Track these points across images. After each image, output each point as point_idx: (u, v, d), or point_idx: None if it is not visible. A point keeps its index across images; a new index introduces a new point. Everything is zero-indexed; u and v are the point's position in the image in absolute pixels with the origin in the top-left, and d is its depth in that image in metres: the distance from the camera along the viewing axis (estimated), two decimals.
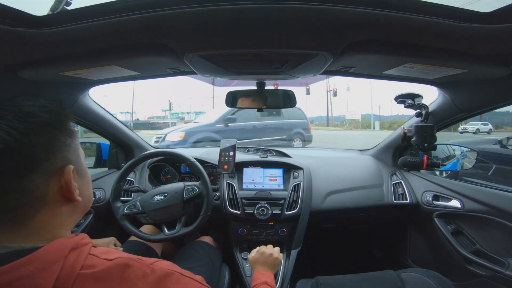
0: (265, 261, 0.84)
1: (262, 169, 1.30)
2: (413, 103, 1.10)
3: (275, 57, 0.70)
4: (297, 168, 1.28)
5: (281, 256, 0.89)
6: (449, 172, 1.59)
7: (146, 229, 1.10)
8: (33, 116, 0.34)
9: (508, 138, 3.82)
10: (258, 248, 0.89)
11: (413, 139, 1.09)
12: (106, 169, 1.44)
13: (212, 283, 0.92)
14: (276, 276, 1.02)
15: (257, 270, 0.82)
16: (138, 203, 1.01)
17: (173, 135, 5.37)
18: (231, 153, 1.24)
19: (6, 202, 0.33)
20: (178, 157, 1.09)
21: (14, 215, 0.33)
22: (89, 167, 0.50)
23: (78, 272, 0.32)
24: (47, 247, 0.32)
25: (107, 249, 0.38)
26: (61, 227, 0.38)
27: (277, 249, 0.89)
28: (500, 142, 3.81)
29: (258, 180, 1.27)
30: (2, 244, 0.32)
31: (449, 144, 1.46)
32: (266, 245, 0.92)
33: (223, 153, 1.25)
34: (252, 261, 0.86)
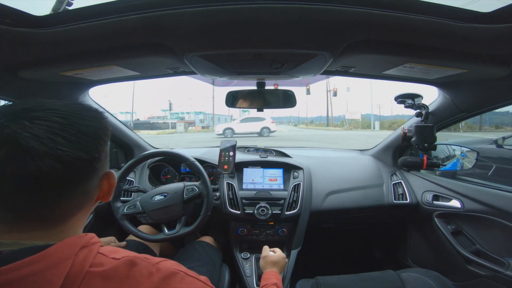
0: (283, 265, 0.87)
1: (262, 169, 1.30)
2: (413, 103, 1.10)
3: (275, 57, 0.70)
4: (297, 168, 1.28)
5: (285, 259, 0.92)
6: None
7: (144, 229, 1.10)
8: (99, 139, 0.37)
9: (503, 138, 3.90)
10: (274, 249, 0.92)
11: (413, 139, 1.09)
12: None
13: (213, 283, 0.91)
14: None
15: (267, 270, 0.84)
16: (138, 203, 1.01)
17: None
18: (231, 153, 1.24)
19: (69, 203, 0.36)
20: (178, 157, 1.09)
21: (65, 215, 0.36)
22: None
23: (87, 270, 0.32)
24: (59, 245, 0.33)
25: (115, 249, 0.38)
26: (83, 225, 0.41)
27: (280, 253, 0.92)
28: (495, 141, 3.92)
29: (258, 180, 1.27)
30: (14, 240, 0.33)
31: (449, 144, 1.46)
32: (265, 245, 0.94)
33: (223, 153, 1.25)
34: (271, 261, 0.87)
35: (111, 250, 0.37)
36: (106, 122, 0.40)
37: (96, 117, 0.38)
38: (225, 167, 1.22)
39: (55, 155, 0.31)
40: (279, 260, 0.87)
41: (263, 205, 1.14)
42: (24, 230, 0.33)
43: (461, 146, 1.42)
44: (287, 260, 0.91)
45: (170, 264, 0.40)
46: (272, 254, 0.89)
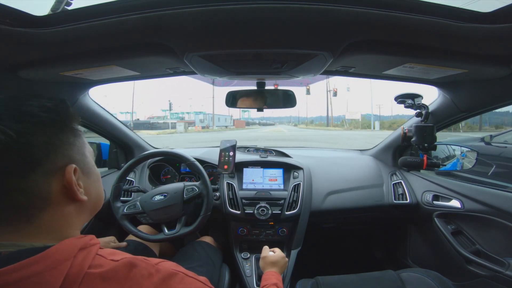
0: (283, 264, 0.87)
1: (262, 169, 1.30)
2: (413, 103, 1.10)
3: (275, 57, 0.70)
4: (297, 168, 1.28)
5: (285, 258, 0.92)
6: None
7: (144, 229, 1.10)
8: (30, 116, 0.34)
9: (491, 136, 4.15)
10: (274, 249, 0.92)
11: (413, 139, 1.09)
12: (106, 169, 1.44)
13: (213, 283, 0.91)
14: None
15: (267, 270, 0.84)
16: (138, 203, 1.01)
17: None
18: (231, 153, 1.24)
19: (9, 202, 0.33)
20: (178, 157, 1.09)
21: (19, 215, 0.34)
22: None
23: (86, 271, 0.32)
24: (57, 246, 0.33)
25: (113, 251, 0.38)
26: (70, 227, 0.38)
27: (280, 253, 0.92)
28: (483, 139, 4.21)
29: (258, 180, 1.27)
30: (13, 242, 0.33)
31: (449, 144, 1.46)
32: (265, 245, 0.94)
33: (223, 153, 1.25)
34: (270, 261, 0.87)
35: (109, 252, 0.37)
36: (52, 110, 0.36)
37: (34, 105, 0.35)
38: (225, 167, 1.22)
39: None
40: (278, 260, 0.87)
41: (263, 205, 1.14)
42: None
43: (461, 146, 1.41)
44: (287, 260, 0.91)
45: (169, 265, 0.40)
46: (271, 254, 0.89)
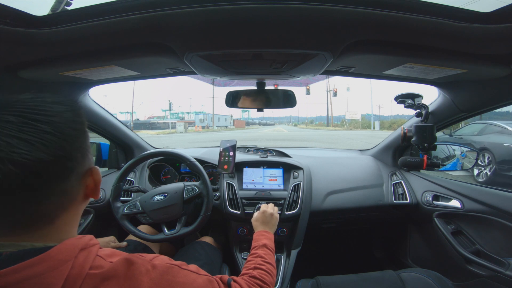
0: (266, 221, 0.89)
1: (262, 169, 1.30)
2: (413, 103, 1.10)
3: (275, 57, 0.70)
4: (297, 168, 1.28)
5: (278, 214, 0.96)
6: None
7: (144, 229, 1.10)
8: (68, 128, 0.35)
9: (451, 130, 4.87)
10: (260, 206, 0.96)
11: (413, 139, 1.09)
12: (106, 169, 1.44)
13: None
14: (276, 274, 1.03)
15: (258, 230, 0.85)
16: (138, 203, 1.01)
17: None
18: (231, 153, 1.24)
19: (51, 204, 0.34)
20: (178, 157, 1.09)
21: (49, 217, 0.35)
22: None
23: (87, 272, 0.32)
24: (59, 247, 0.33)
25: (113, 252, 0.38)
26: (75, 225, 0.40)
27: (276, 208, 0.97)
28: (448, 134, 4.99)
29: (258, 180, 1.27)
30: (12, 242, 0.33)
31: (449, 144, 1.46)
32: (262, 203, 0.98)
33: (223, 153, 1.25)
34: (253, 220, 0.91)
35: (109, 254, 0.37)
36: (77, 115, 0.37)
37: (62, 111, 0.35)
38: (225, 167, 1.22)
39: (11, 160, 0.29)
40: (265, 217, 0.89)
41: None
42: (3, 233, 0.33)
43: (461, 146, 1.41)
44: (277, 215, 0.93)
45: (163, 260, 0.41)
46: (264, 210, 0.92)
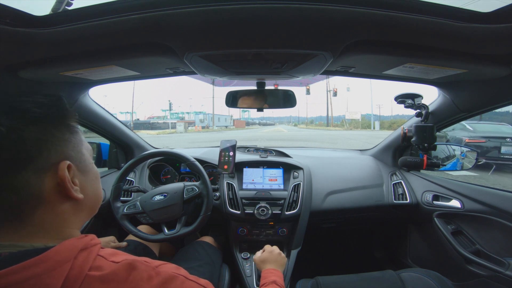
0: (275, 259, 0.86)
1: (262, 169, 1.30)
2: (413, 103, 1.10)
3: (275, 57, 0.70)
4: (297, 168, 1.28)
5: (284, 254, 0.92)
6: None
7: (144, 229, 1.10)
8: (22, 111, 0.33)
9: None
10: (265, 247, 0.92)
11: (413, 139, 1.09)
12: (106, 169, 1.45)
13: (213, 283, 0.92)
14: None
15: (265, 268, 0.83)
16: (138, 203, 1.01)
17: None
18: (231, 153, 1.24)
19: (0, 200, 0.32)
20: (178, 157, 1.09)
21: (10, 213, 0.33)
22: None
23: (86, 273, 0.32)
24: (58, 247, 0.32)
25: (115, 251, 0.38)
26: (68, 226, 0.37)
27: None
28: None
29: (258, 180, 1.27)
30: (12, 242, 0.32)
31: (449, 144, 1.46)
32: (266, 245, 0.93)
33: (223, 153, 1.25)
34: (260, 260, 0.87)
35: (111, 253, 0.37)
36: (55, 101, 0.35)
37: (39, 101, 0.34)
38: (225, 167, 1.22)
39: None
40: (274, 256, 0.87)
41: (263, 205, 1.14)
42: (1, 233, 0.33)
43: (461, 146, 1.41)
44: (284, 255, 0.90)
45: (169, 268, 0.39)
46: (271, 250, 0.89)
